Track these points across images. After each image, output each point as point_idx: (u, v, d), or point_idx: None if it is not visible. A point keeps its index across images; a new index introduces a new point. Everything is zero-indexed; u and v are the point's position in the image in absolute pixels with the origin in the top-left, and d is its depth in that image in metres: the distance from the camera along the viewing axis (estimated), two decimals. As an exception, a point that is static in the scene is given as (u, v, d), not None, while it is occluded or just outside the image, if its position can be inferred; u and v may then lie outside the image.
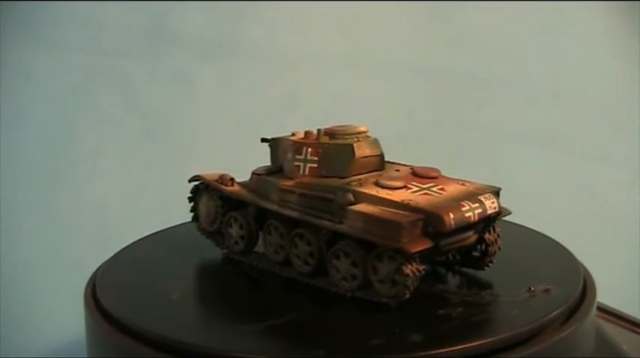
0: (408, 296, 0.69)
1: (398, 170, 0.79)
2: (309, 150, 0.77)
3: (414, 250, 0.66)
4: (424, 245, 0.67)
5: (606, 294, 0.83)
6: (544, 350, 0.65)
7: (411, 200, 0.70)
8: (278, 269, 0.80)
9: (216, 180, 0.84)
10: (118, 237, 0.94)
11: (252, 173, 0.83)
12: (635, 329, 0.94)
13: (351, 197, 0.72)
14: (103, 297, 0.76)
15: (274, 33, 1.34)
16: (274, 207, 0.77)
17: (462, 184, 0.76)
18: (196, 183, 0.87)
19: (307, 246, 0.76)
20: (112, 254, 0.89)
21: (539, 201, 1.23)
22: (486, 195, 0.74)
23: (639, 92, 1.29)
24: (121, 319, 0.71)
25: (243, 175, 0.85)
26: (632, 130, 1.30)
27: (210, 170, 0.87)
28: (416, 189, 0.73)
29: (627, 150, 1.29)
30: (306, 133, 0.79)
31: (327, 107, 1.32)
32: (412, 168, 0.79)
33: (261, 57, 1.34)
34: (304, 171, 0.77)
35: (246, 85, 1.35)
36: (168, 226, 0.98)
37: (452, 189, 0.74)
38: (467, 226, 0.71)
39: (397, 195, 0.71)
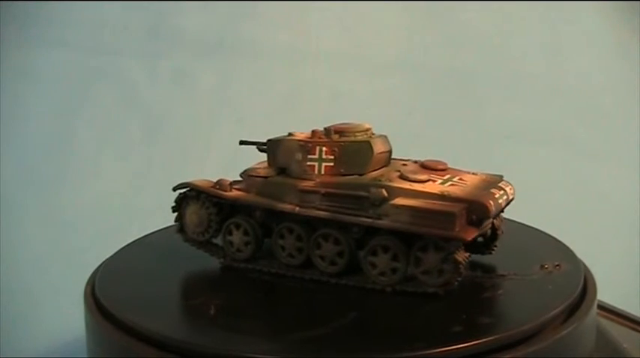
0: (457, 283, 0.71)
1: (405, 164, 0.80)
2: (324, 149, 0.76)
3: (469, 238, 0.68)
4: (474, 232, 0.70)
5: (607, 292, 0.83)
6: (545, 348, 0.65)
7: (447, 191, 0.71)
8: (295, 273, 0.78)
9: (213, 186, 0.80)
10: (119, 236, 0.94)
11: (252, 176, 0.80)
12: (636, 327, 0.94)
13: (384, 192, 0.72)
14: (102, 296, 0.76)
15: (274, 31, 1.34)
16: (295, 209, 0.75)
17: (474, 174, 0.78)
18: (183, 190, 0.82)
19: (335, 246, 0.75)
20: (112, 253, 0.89)
21: (540, 199, 1.23)
22: (504, 183, 0.77)
23: (639, 91, 1.29)
24: (121, 318, 0.71)
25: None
26: (633, 129, 1.30)
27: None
28: (440, 180, 0.74)
29: (627, 149, 1.30)
30: (314, 132, 0.78)
31: (328, 106, 1.32)
32: (418, 162, 0.80)
33: (261, 56, 1.34)
34: (320, 170, 0.76)
35: (246, 84, 1.35)
36: (169, 225, 0.97)
37: (471, 179, 0.76)
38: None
39: (431, 187, 0.72)
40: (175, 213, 0.84)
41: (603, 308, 0.93)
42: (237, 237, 0.81)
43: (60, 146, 1.28)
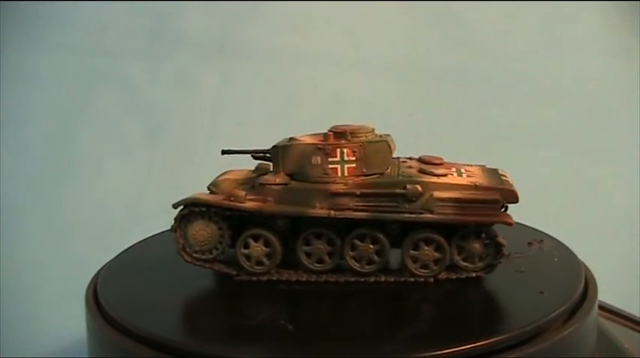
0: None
1: (404, 161, 0.81)
2: (345, 150, 0.76)
3: (513, 222, 0.75)
4: (510, 216, 0.75)
5: (608, 293, 0.83)
6: (546, 348, 0.65)
7: (475, 181, 0.75)
8: (329, 277, 0.77)
9: (226, 199, 0.76)
10: (120, 238, 0.94)
11: (264, 184, 0.76)
12: (637, 327, 0.94)
13: (419, 188, 0.74)
14: (104, 299, 0.76)
15: (276, 34, 1.34)
16: (330, 213, 0.75)
17: (470, 165, 0.81)
18: (182, 207, 0.77)
19: (372, 245, 0.76)
20: (113, 256, 0.89)
21: (540, 200, 1.23)
22: (501, 171, 0.81)
23: (639, 91, 1.29)
24: (122, 321, 0.71)
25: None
26: (633, 129, 1.30)
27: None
28: (455, 173, 0.78)
29: (628, 149, 1.30)
30: (327, 135, 0.77)
31: (329, 108, 1.32)
32: (413, 159, 0.82)
33: (263, 58, 1.34)
34: (343, 172, 0.76)
35: (247, 87, 1.35)
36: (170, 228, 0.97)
37: (476, 171, 0.80)
38: None
39: (459, 180, 0.76)
40: (174, 232, 0.78)
41: (604, 308, 0.93)
42: (256, 250, 0.77)
43: (61, 149, 1.29)
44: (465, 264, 0.77)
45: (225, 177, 0.81)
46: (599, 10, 1.32)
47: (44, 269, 1.22)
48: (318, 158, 0.76)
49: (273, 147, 0.78)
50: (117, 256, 0.89)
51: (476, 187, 0.74)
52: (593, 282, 0.78)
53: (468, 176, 0.77)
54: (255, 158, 0.82)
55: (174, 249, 0.83)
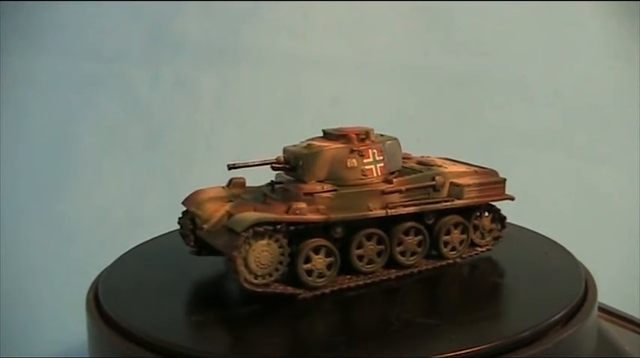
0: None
1: None
2: (375, 151, 0.78)
3: (514, 196, 0.83)
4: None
5: (607, 295, 0.84)
6: (546, 351, 0.65)
7: (470, 168, 0.84)
8: (382, 276, 0.78)
9: (287, 213, 0.72)
10: (121, 242, 0.94)
11: (310, 193, 0.74)
12: (637, 329, 0.94)
13: (442, 179, 0.80)
14: (105, 302, 0.76)
15: (275, 37, 1.35)
16: (387, 212, 0.76)
17: (429, 157, 0.88)
18: (247, 229, 0.69)
19: (416, 237, 0.79)
20: (114, 259, 0.89)
21: (540, 203, 1.23)
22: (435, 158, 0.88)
23: (639, 93, 1.30)
24: (123, 324, 0.71)
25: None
26: (632, 131, 1.30)
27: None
28: (449, 164, 0.85)
29: (627, 151, 1.30)
30: (350, 138, 0.77)
31: (329, 110, 1.33)
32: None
33: (263, 61, 1.35)
34: (377, 172, 0.78)
35: (247, 90, 1.35)
36: (171, 230, 0.97)
37: (446, 161, 0.87)
38: None
39: (461, 168, 0.84)
40: (231, 261, 0.70)
41: (604, 310, 0.94)
42: (319, 262, 0.74)
43: (61, 153, 1.29)
44: (478, 240, 0.84)
45: (203, 196, 0.79)
46: (599, 13, 1.32)
47: (45, 273, 1.22)
48: (354, 160, 0.77)
49: (303, 154, 0.76)
50: (117, 260, 0.89)
51: (476, 172, 0.83)
52: (593, 284, 0.78)
53: (456, 165, 0.85)
54: (275, 169, 0.79)
55: (175, 252, 0.84)
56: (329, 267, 0.75)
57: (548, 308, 0.70)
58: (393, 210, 0.76)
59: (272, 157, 0.79)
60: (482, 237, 0.85)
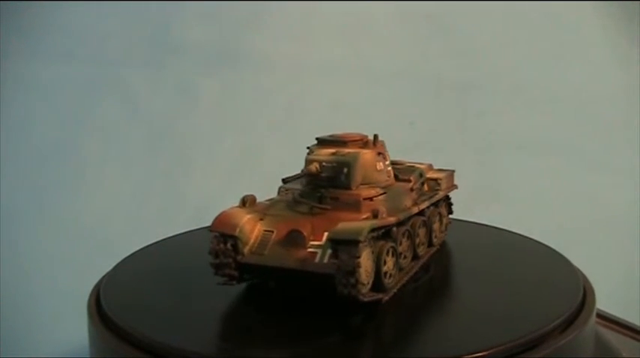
0: None
1: None
2: (387, 155, 0.82)
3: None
4: None
5: (606, 301, 0.84)
6: (544, 357, 0.66)
7: (424, 164, 0.91)
8: (410, 271, 0.80)
9: (377, 219, 0.71)
10: (122, 246, 0.94)
11: (367, 199, 0.74)
12: (635, 335, 0.94)
13: (425, 173, 0.88)
14: (106, 306, 0.76)
15: (276, 43, 1.35)
16: (419, 208, 0.82)
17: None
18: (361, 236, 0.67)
19: (424, 228, 0.85)
20: (115, 263, 0.90)
21: (538, 209, 1.23)
22: None
23: (639, 98, 1.30)
24: (125, 328, 0.71)
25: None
26: (632, 137, 1.30)
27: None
28: (405, 161, 0.91)
29: (626, 157, 1.30)
30: (367, 141, 0.79)
31: (329, 116, 1.33)
32: None
33: (263, 66, 1.35)
34: (391, 173, 0.82)
35: (248, 95, 1.36)
36: (172, 235, 0.98)
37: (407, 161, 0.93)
38: None
39: (423, 164, 0.90)
40: (354, 273, 0.67)
41: (602, 316, 0.94)
42: (390, 264, 0.73)
43: (62, 157, 1.29)
44: (440, 228, 0.92)
45: (238, 219, 0.74)
46: (598, 18, 1.32)
47: (46, 277, 1.22)
48: (381, 163, 0.80)
49: (347, 161, 0.76)
50: (119, 263, 0.89)
51: (430, 166, 0.92)
52: (591, 291, 0.78)
53: (414, 163, 0.90)
54: (318, 176, 0.77)
55: (176, 255, 0.84)
56: (395, 267, 0.75)
57: (547, 314, 0.70)
58: (421, 206, 0.82)
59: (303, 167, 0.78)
60: (442, 223, 0.93)
